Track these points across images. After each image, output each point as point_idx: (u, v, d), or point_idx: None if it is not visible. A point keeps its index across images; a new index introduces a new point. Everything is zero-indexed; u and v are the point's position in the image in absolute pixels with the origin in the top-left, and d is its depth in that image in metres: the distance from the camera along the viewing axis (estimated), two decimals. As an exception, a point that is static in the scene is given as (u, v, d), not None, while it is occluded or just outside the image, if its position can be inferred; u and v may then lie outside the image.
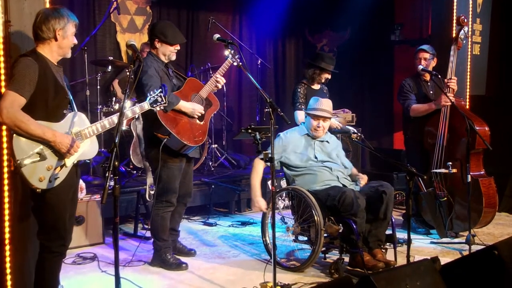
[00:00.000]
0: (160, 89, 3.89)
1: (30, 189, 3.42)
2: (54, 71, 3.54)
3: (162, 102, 3.89)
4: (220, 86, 4.99)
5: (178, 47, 4.86)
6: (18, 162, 3.32)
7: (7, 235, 3.76)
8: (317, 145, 5.07)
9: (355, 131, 5.26)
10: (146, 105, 3.85)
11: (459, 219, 5.67)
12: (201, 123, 4.85)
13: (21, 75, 3.36)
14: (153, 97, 3.87)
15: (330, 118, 5.10)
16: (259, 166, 4.97)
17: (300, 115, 5.77)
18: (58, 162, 3.45)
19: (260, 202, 4.81)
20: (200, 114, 4.80)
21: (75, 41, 3.65)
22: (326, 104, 5.05)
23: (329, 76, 5.90)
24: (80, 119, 3.62)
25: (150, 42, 4.89)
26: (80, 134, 3.56)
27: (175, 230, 5.15)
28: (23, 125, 3.30)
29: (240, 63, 4.49)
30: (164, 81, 4.77)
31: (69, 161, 3.51)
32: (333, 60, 5.97)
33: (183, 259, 4.98)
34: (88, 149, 3.63)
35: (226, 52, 4.77)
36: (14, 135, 3.34)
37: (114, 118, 3.65)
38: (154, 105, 3.88)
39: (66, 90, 3.61)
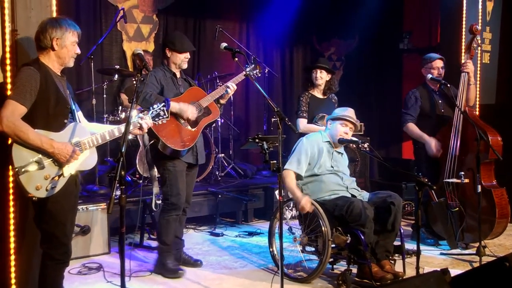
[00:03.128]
0: (163, 103, 3.92)
1: (28, 198, 3.46)
2: (57, 80, 3.58)
3: (164, 116, 3.92)
4: (231, 92, 5.01)
5: (188, 55, 4.97)
6: (16, 169, 3.36)
7: (12, 245, 3.77)
8: (335, 155, 5.06)
9: (360, 141, 5.28)
10: (148, 119, 3.87)
11: (470, 230, 5.63)
12: (193, 129, 4.90)
13: (23, 84, 3.41)
14: (156, 110, 3.89)
15: (355, 128, 5.12)
16: (289, 174, 4.91)
17: (301, 122, 5.81)
18: (56, 171, 3.49)
19: (304, 199, 4.70)
20: (191, 116, 4.82)
21: (78, 51, 3.68)
22: (353, 113, 5.12)
23: (322, 75, 5.92)
24: (80, 129, 3.65)
25: (162, 52, 5.04)
26: (80, 145, 3.59)
27: (178, 238, 5.18)
28: (22, 134, 3.35)
29: (248, 72, 4.51)
30: (169, 90, 4.83)
31: (67, 171, 3.54)
32: (317, 59, 6.18)
33: (190, 269, 5.00)
34: (87, 159, 3.66)
35: (248, 68, 5.01)
36: (14, 143, 3.38)
37: (115, 130, 3.68)
38: (156, 119, 3.90)
39: (68, 100, 3.64)
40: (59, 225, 3.58)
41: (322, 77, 5.91)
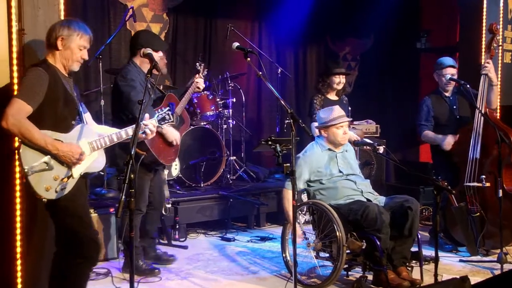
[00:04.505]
0: (168, 107, 3.93)
1: (37, 200, 3.48)
2: (65, 81, 3.61)
3: (169, 120, 3.94)
4: (201, 89, 5.47)
5: (161, 54, 5.04)
6: (26, 170, 3.37)
7: (18, 249, 3.79)
8: (339, 158, 5.06)
9: (371, 142, 5.27)
10: (154, 122, 3.88)
11: (491, 236, 5.58)
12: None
13: (30, 84, 3.45)
14: (161, 114, 3.90)
15: (349, 120, 5.18)
16: (288, 194, 4.94)
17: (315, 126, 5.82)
18: (65, 172, 3.51)
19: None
20: (173, 139, 5.03)
21: (85, 56, 3.68)
22: (339, 109, 5.12)
23: (343, 80, 6.01)
24: (88, 131, 3.67)
25: (133, 52, 5.03)
26: (87, 146, 3.60)
27: (152, 237, 5.36)
28: (27, 132, 3.36)
29: (260, 73, 4.50)
30: (145, 95, 4.84)
31: (76, 172, 3.55)
32: (338, 63, 6.24)
33: (200, 275, 5.05)
34: (95, 162, 3.67)
35: (197, 65, 5.65)
36: (22, 144, 3.40)
37: (123, 133, 3.70)
38: (161, 123, 3.91)
39: (76, 101, 3.67)
40: (77, 226, 3.60)
41: (343, 82, 6.04)
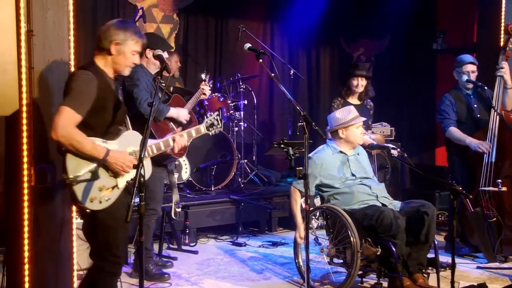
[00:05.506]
0: (217, 112, 4.00)
1: (80, 209, 3.44)
2: (113, 86, 3.53)
3: (218, 126, 4.03)
4: (207, 95, 5.63)
5: (167, 55, 5.03)
6: (71, 180, 3.29)
7: (26, 253, 3.80)
8: (351, 161, 5.03)
9: (393, 147, 5.24)
10: (202, 129, 4.05)
11: (510, 242, 5.53)
12: None
13: (79, 91, 3.33)
14: (210, 120, 3.98)
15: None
16: (295, 194, 4.97)
17: None
18: (111, 182, 3.43)
19: (300, 230, 4.88)
20: (186, 120, 5.10)
21: (136, 61, 3.61)
22: (355, 109, 5.12)
23: (363, 82, 6.04)
24: (135, 138, 3.59)
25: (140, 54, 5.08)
26: (135, 154, 3.53)
27: None
28: (77, 144, 3.27)
29: (272, 74, 4.50)
30: (152, 95, 4.86)
31: (122, 182, 3.48)
32: (357, 65, 6.35)
33: (211, 281, 5.02)
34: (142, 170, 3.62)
35: (202, 76, 5.80)
36: (67, 153, 3.30)
37: (170, 140, 3.80)
38: (210, 129, 4.00)
39: (124, 106, 3.61)
40: (111, 237, 3.49)
41: (363, 84, 6.04)
